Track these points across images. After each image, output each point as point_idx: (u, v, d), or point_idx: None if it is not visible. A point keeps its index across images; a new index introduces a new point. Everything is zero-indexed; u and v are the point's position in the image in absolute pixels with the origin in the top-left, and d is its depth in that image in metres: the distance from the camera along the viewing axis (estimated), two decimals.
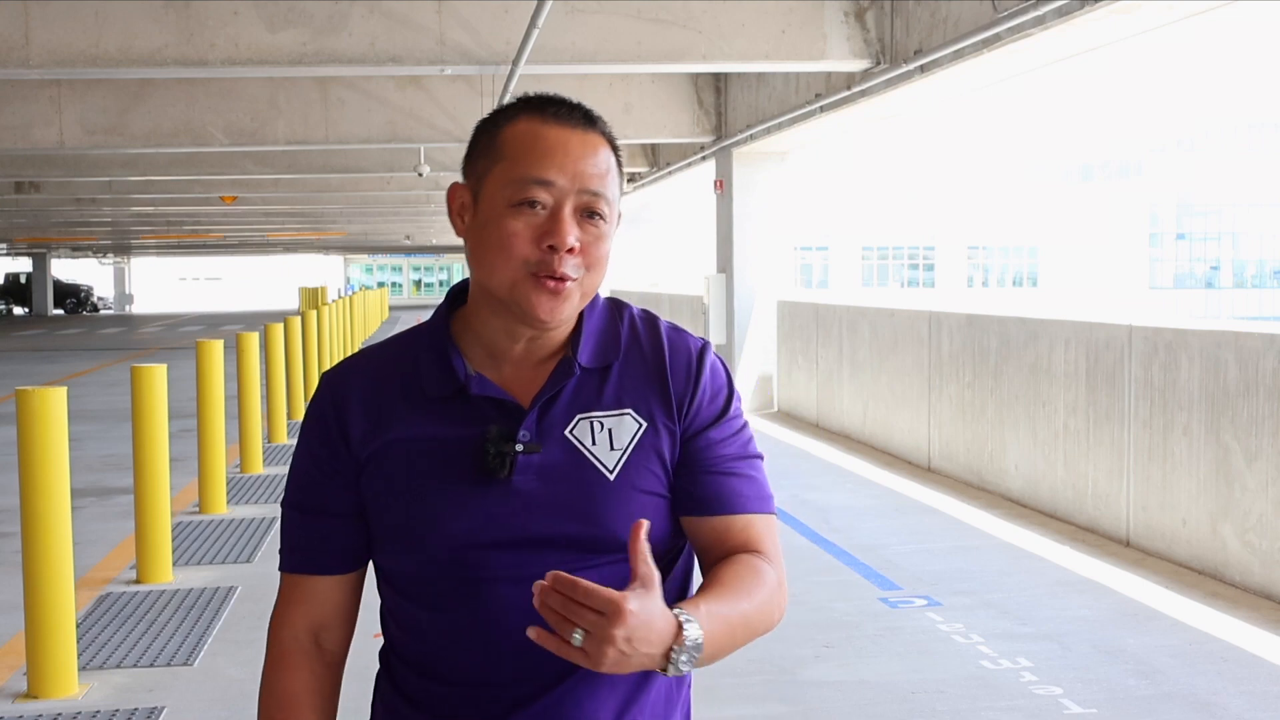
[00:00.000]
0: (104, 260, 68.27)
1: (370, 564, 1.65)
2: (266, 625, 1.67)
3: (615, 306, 1.65)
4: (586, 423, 1.56)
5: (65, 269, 70.54)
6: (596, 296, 1.62)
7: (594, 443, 1.55)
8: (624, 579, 1.41)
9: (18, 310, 60.90)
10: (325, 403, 1.61)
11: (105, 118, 13.67)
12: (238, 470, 10.29)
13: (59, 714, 4.79)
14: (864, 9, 9.87)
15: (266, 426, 12.29)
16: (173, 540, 7.18)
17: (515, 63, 9.41)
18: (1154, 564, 6.97)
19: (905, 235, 67.90)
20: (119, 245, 55.98)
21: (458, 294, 1.64)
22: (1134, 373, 7.38)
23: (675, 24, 9.76)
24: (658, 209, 30.22)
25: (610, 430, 1.56)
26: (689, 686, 1.69)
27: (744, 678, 5.15)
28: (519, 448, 1.53)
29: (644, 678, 1.58)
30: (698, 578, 1.63)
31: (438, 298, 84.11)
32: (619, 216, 1.57)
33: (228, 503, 8.83)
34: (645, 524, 1.37)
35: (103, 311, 63.17)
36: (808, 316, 13.64)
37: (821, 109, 11.54)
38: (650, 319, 1.65)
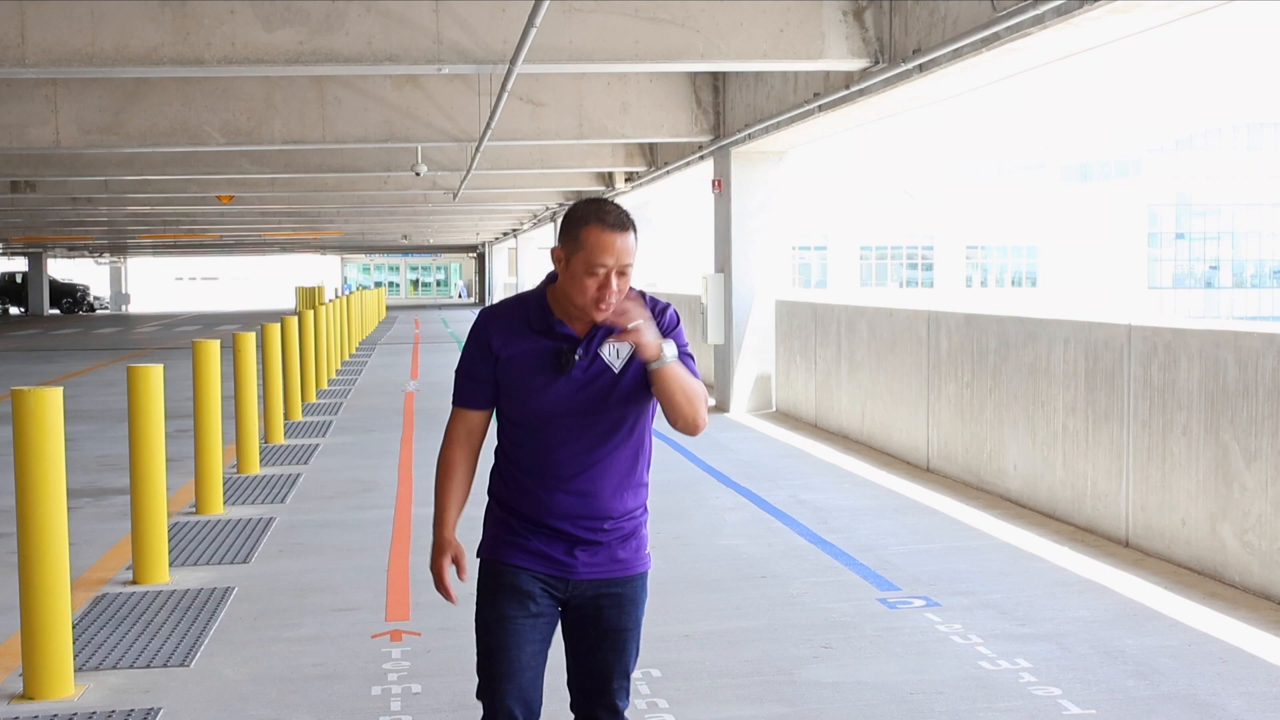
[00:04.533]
0: (100, 260, 68.23)
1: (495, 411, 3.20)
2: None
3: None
4: (608, 345, 3.08)
5: (61, 269, 70.51)
6: None
7: (609, 355, 3.08)
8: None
9: (14, 310, 60.87)
10: (484, 327, 3.14)
11: (101, 117, 13.64)
12: (234, 471, 10.27)
13: (55, 715, 4.77)
14: (862, 8, 9.85)
15: (264, 426, 12.27)
16: (169, 541, 7.16)
17: (513, 62, 9.38)
18: (1153, 564, 6.96)
19: (904, 235, 67.91)
20: (115, 245, 55.93)
21: (553, 278, 3.11)
22: (1133, 372, 7.36)
23: (673, 23, 9.75)
24: (656, 209, 30.18)
25: (618, 350, 3.09)
26: (645, 473, 3.21)
27: (742, 679, 5.14)
28: (576, 358, 3.06)
29: (630, 469, 3.14)
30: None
31: (435, 297, 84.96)
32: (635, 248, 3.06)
33: (224, 503, 8.82)
34: (637, 322, 3.01)
35: (99, 311, 63.11)
36: (806, 316, 13.62)
37: (820, 108, 11.52)
38: (640, 294, 3.10)
